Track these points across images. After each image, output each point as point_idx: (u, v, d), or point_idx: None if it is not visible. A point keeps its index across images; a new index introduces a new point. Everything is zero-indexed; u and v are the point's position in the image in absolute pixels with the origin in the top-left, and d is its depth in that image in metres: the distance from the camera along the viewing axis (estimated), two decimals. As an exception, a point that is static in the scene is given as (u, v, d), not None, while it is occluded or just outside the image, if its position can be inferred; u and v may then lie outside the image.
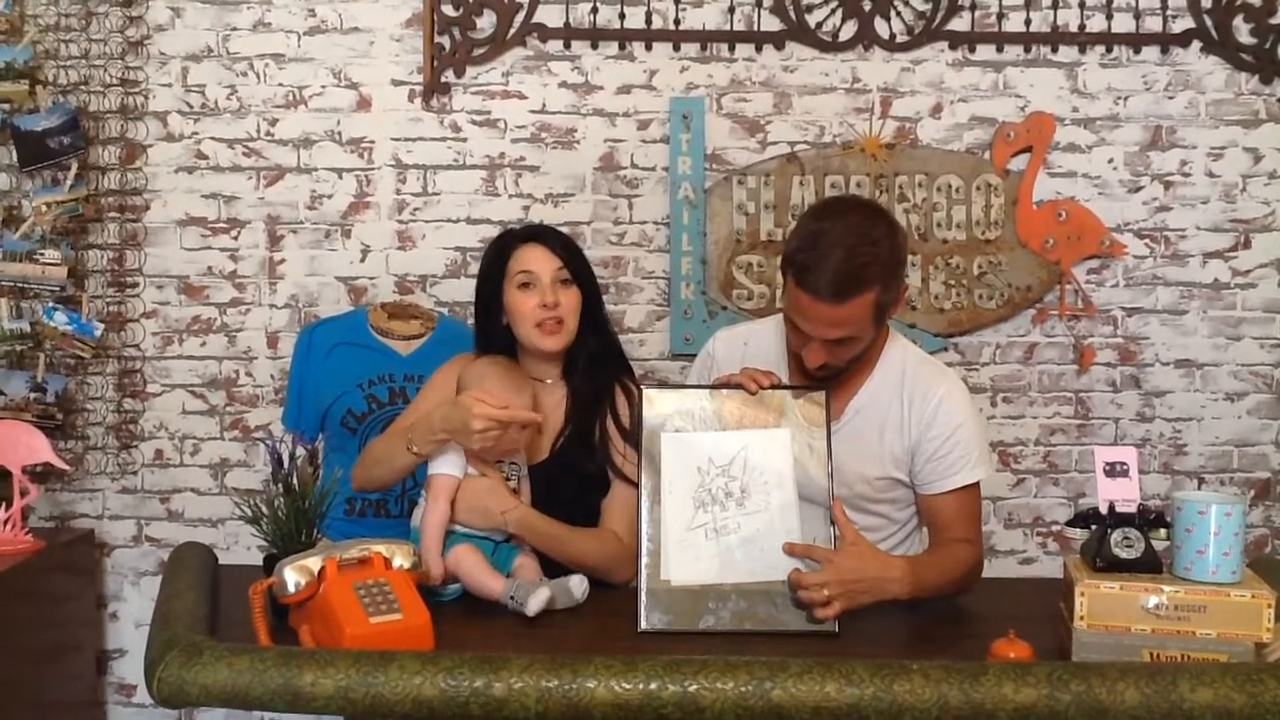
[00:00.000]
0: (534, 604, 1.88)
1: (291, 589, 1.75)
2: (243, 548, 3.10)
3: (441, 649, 1.69)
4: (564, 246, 2.22)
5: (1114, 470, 1.78)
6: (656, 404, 1.98)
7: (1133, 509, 1.76)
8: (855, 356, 2.04)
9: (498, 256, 2.23)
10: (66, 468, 3.04)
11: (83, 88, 3.18)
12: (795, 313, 1.99)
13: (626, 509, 2.11)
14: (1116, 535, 1.74)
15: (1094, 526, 1.79)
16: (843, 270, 1.91)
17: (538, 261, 2.18)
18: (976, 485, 2.11)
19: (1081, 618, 1.70)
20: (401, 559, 1.82)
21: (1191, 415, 3.31)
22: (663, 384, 2.07)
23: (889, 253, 1.97)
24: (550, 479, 2.15)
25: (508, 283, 2.19)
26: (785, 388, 2.03)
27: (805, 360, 2.01)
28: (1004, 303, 3.26)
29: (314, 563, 1.77)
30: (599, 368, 2.23)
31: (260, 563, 2.00)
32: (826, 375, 2.03)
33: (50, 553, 2.95)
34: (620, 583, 2.11)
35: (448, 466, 2.05)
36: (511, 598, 1.92)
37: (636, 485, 1.99)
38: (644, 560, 1.90)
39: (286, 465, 1.98)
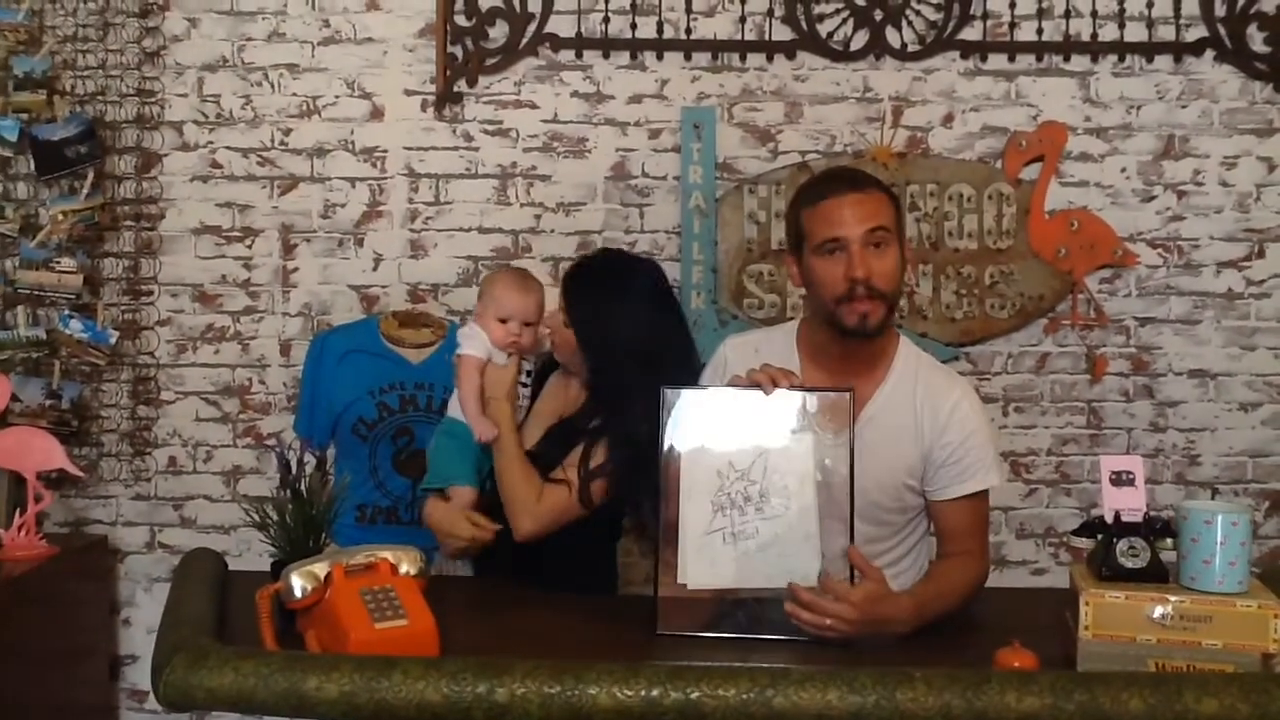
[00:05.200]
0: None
1: (298, 594, 1.76)
2: (255, 554, 3.10)
3: (447, 654, 1.69)
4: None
5: (1120, 479, 1.77)
6: (675, 406, 1.96)
7: (1139, 518, 1.75)
8: (893, 293, 2.03)
9: None
10: (81, 474, 3.06)
11: (99, 98, 3.22)
12: (825, 226, 2.02)
13: (548, 493, 2.26)
14: (1122, 544, 1.73)
15: (1100, 536, 1.78)
16: (854, 172, 2.14)
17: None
18: (987, 493, 2.12)
19: (1086, 627, 1.69)
20: (408, 565, 1.83)
21: (1205, 425, 3.29)
22: (680, 386, 2.06)
23: (886, 185, 2.13)
24: (532, 460, 2.30)
25: None
26: (806, 389, 1.99)
27: (853, 270, 1.98)
28: (1016, 312, 3.25)
29: (320, 568, 1.78)
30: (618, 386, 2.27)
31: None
32: (866, 326, 2.00)
33: (64, 558, 2.97)
34: (515, 533, 2.24)
35: (475, 348, 2.35)
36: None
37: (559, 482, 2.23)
38: (661, 563, 1.90)
39: (295, 471, 2.00)
